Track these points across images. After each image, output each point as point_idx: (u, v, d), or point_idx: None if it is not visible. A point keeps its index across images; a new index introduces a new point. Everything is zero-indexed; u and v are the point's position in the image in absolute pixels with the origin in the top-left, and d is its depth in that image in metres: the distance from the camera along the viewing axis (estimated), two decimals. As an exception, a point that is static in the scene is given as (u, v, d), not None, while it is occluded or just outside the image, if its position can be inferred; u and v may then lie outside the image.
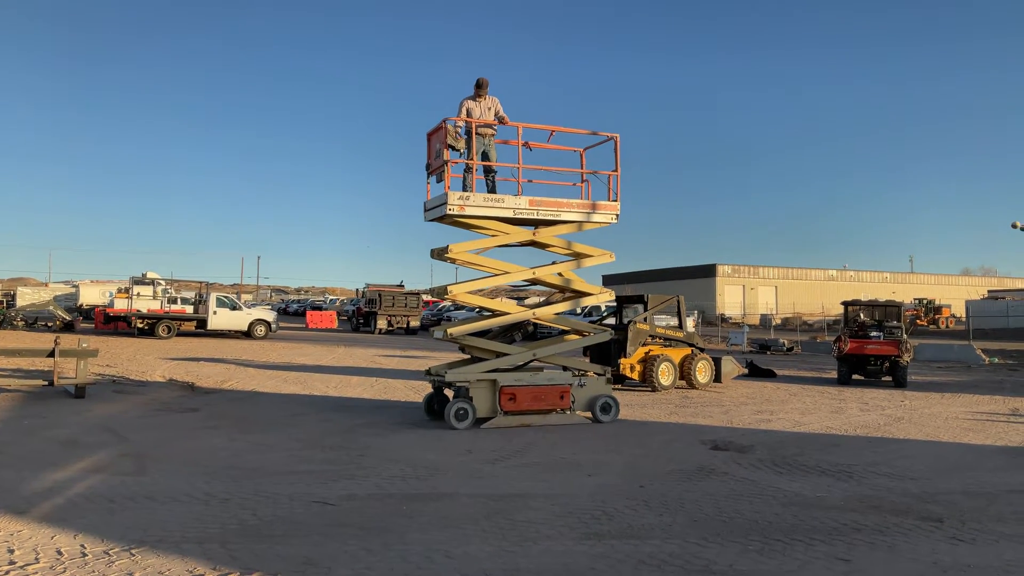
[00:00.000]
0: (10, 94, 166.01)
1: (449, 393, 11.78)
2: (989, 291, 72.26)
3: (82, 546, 5.43)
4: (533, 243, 12.06)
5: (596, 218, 12.04)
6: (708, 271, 70.54)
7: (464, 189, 11.45)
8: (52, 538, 5.60)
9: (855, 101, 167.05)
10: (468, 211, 11.25)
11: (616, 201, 12.11)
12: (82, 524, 5.95)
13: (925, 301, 59.06)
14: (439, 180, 11.51)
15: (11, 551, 5.30)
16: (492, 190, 11.73)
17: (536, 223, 11.84)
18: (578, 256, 12.22)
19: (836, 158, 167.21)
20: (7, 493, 6.87)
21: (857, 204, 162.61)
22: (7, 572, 4.89)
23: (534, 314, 12.19)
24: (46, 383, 13.61)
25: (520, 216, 11.56)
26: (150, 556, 5.24)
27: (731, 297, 69.00)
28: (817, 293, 69.70)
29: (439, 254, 11.74)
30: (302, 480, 7.65)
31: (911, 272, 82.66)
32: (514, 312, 12.25)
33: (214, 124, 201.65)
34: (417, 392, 14.82)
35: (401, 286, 46.55)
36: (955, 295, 69.84)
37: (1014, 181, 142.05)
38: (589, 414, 11.88)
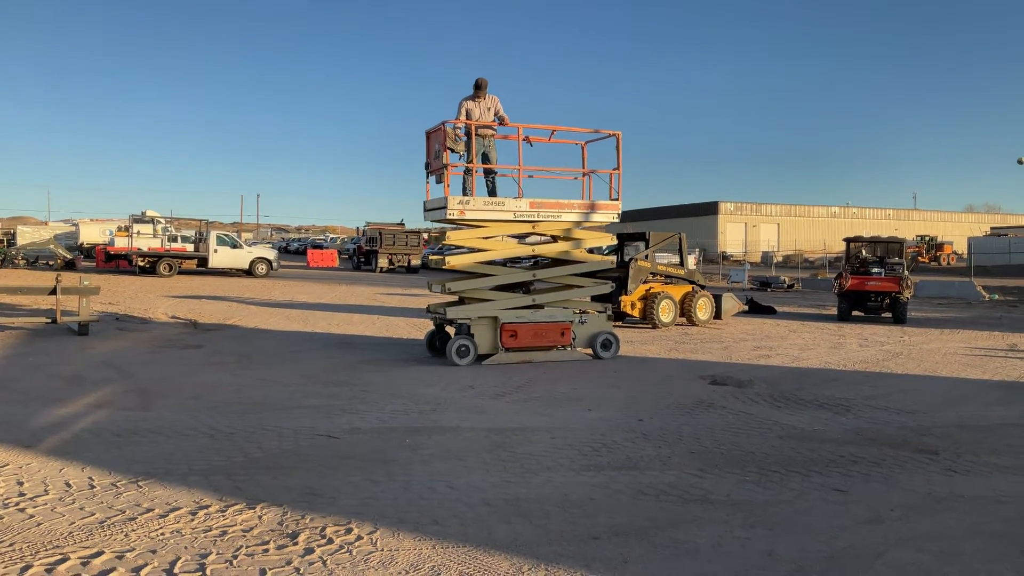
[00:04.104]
0: (8, 32, 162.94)
1: (451, 330, 11.83)
2: (992, 228, 71.99)
3: (90, 478, 5.52)
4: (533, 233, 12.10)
5: (597, 218, 12.02)
6: (710, 208, 70.19)
7: (464, 191, 11.39)
8: (60, 471, 5.69)
9: (858, 34, 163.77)
10: (469, 215, 11.22)
11: (617, 200, 12.04)
12: (89, 457, 6.04)
13: (927, 238, 58.90)
14: (439, 181, 11.43)
15: (20, 483, 5.39)
16: (492, 191, 11.67)
17: (536, 223, 11.81)
18: (577, 239, 12.16)
19: (839, 92, 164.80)
20: (15, 428, 6.96)
21: (861, 140, 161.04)
22: (18, 503, 4.98)
23: (534, 275, 12.11)
24: (49, 320, 13.68)
25: (521, 219, 11.54)
26: (157, 488, 5.33)
27: (733, 235, 68.80)
28: (820, 230, 69.46)
29: (438, 239, 11.70)
30: (306, 414, 7.74)
31: (914, 209, 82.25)
32: (515, 274, 12.17)
33: (212, 60, 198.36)
34: (419, 329, 14.90)
35: (402, 224, 46.35)
36: (958, 232, 69.61)
37: (1020, 117, 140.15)
38: (590, 350, 11.95)
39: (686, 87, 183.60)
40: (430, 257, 12.15)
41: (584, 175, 12.11)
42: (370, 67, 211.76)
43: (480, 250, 11.71)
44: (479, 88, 11.36)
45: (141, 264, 31.90)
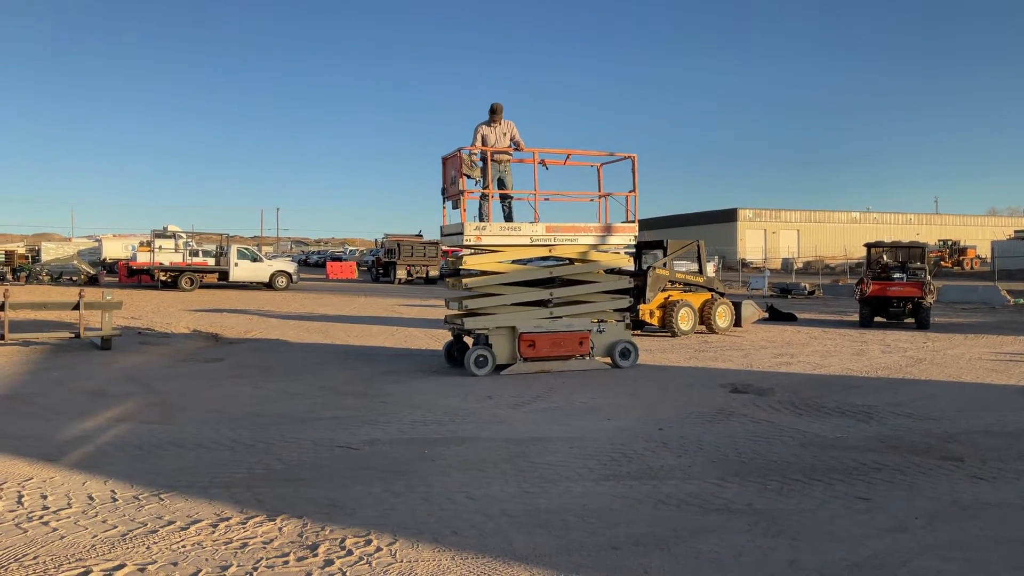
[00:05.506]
0: (30, 51, 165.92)
1: (468, 341, 11.84)
2: (1016, 231, 70.90)
3: (112, 491, 5.56)
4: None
5: (613, 240, 12.08)
6: (729, 215, 69.95)
7: (480, 216, 11.46)
8: (83, 484, 5.74)
9: (875, 35, 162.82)
10: (485, 240, 11.30)
11: (634, 222, 12.09)
12: (112, 471, 6.09)
13: (950, 242, 58.28)
14: (455, 207, 11.51)
15: (44, 496, 5.44)
16: (508, 216, 11.75)
17: (553, 247, 11.86)
18: (593, 260, 12.19)
19: (859, 97, 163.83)
20: (39, 441, 7.04)
21: (880, 144, 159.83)
22: (41, 516, 5.03)
23: (551, 294, 12.09)
24: (73, 335, 13.84)
25: (537, 243, 11.60)
26: (178, 500, 5.37)
27: (752, 242, 68.45)
28: (840, 236, 68.83)
29: (453, 263, 11.90)
30: (326, 426, 7.77)
31: (936, 213, 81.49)
32: (531, 293, 12.17)
33: (232, 75, 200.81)
34: (437, 340, 14.92)
35: (420, 236, 46.53)
36: (981, 236, 68.72)
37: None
38: (608, 360, 11.91)
39: (701, 91, 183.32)
40: (447, 280, 12.15)
41: (600, 197, 12.12)
42: (389, 80, 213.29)
43: (497, 272, 11.74)
44: (494, 113, 11.40)
45: (163, 278, 32.23)
